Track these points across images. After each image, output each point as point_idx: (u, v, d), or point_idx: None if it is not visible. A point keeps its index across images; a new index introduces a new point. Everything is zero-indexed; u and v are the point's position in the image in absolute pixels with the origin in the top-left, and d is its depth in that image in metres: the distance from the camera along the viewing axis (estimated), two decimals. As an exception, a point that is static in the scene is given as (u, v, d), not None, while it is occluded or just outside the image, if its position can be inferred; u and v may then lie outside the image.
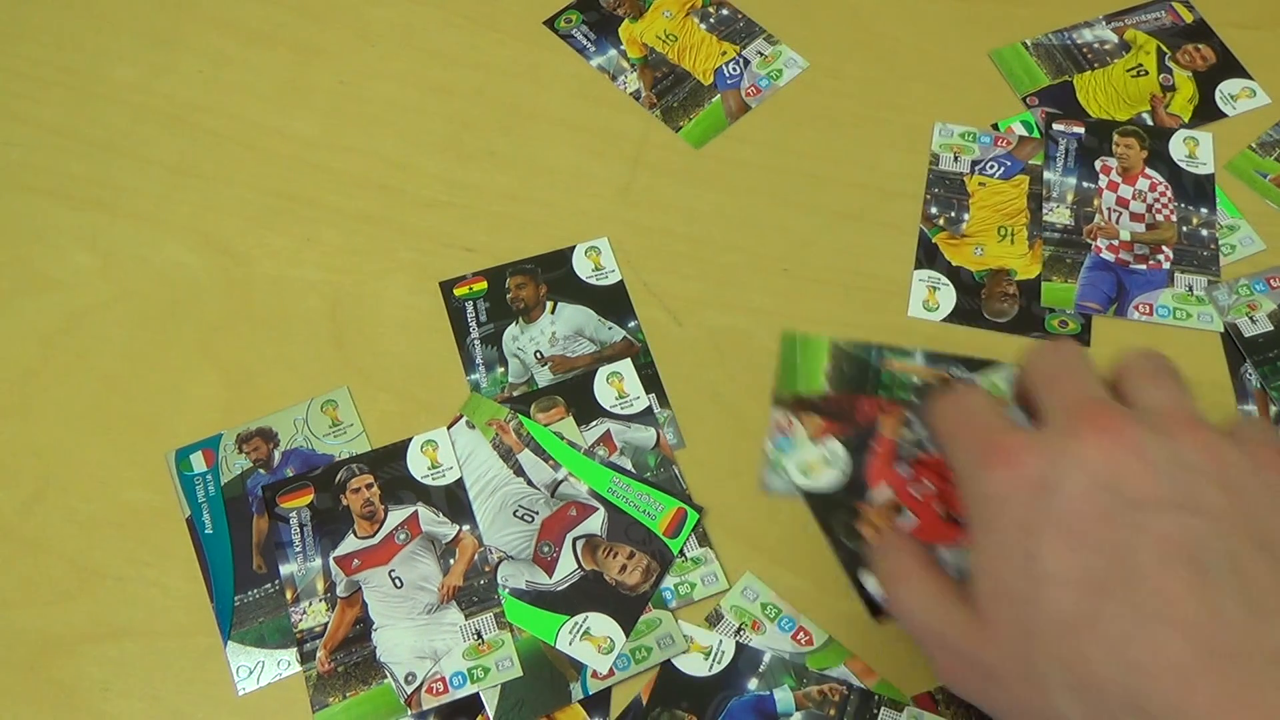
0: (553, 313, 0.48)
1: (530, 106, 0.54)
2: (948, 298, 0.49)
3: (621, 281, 0.49)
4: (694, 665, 0.41)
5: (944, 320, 0.48)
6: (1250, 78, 0.54)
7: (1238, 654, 0.28)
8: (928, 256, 0.50)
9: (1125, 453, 0.32)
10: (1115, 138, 0.52)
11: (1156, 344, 0.47)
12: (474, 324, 0.48)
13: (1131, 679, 0.29)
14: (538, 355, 0.47)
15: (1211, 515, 0.31)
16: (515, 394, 0.46)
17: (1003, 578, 0.32)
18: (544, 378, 0.47)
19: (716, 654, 0.41)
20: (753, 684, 0.40)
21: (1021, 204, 0.51)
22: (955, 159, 0.52)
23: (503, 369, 0.47)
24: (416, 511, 0.44)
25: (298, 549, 0.43)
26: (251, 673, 0.41)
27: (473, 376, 0.47)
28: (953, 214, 0.51)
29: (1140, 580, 0.30)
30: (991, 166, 0.52)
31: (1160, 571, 0.30)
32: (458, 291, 0.49)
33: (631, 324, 0.48)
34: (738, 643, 0.41)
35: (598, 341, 0.47)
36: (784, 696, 0.40)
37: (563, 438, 0.45)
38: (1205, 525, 0.31)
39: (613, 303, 0.49)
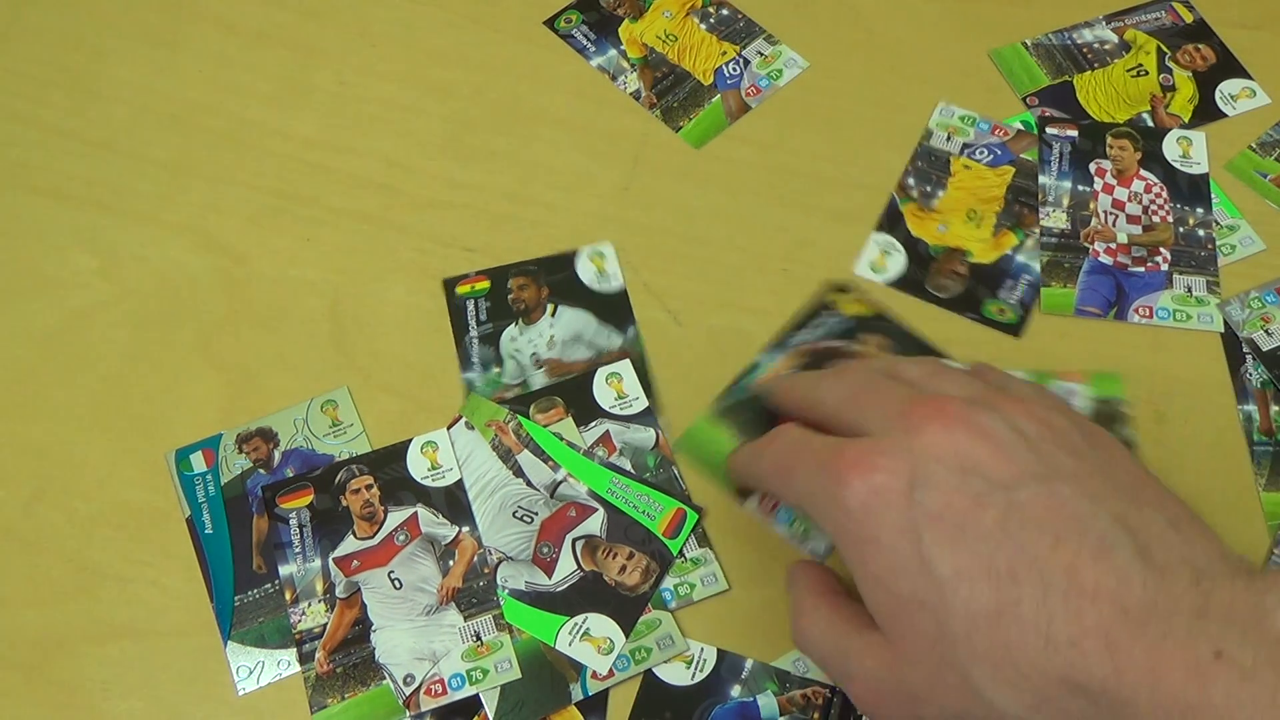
0: (553, 315, 0.48)
1: (530, 106, 0.54)
2: (896, 263, 0.49)
3: (624, 288, 0.49)
4: (676, 674, 0.41)
5: (886, 284, 0.49)
6: (1250, 78, 0.54)
7: (1158, 612, 0.28)
8: (890, 221, 0.50)
9: (970, 434, 0.32)
10: (1109, 140, 0.52)
11: (1157, 346, 0.47)
12: (473, 322, 0.48)
13: (1061, 657, 0.29)
14: (534, 358, 0.47)
15: (1074, 479, 0.31)
16: (509, 395, 0.46)
17: (899, 588, 0.31)
18: (539, 381, 0.47)
19: (698, 662, 0.41)
20: (735, 691, 0.40)
21: (1000, 193, 0.51)
22: (948, 138, 0.53)
23: (498, 369, 0.47)
24: (416, 513, 0.44)
25: (297, 550, 0.43)
26: (251, 673, 0.41)
27: (468, 375, 0.47)
28: (928, 189, 0.51)
29: (1041, 559, 0.30)
30: (981, 152, 0.52)
31: (1057, 547, 0.30)
32: (460, 289, 0.49)
33: (631, 332, 0.48)
34: (719, 650, 0.41)
35: (595, 347, 0.47)
36: (767, 702, 0.40)
37: (562, 438, 0.45)
38: (1073, 490, 0.31)
39: (614, 309, 0.48)
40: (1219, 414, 0.46)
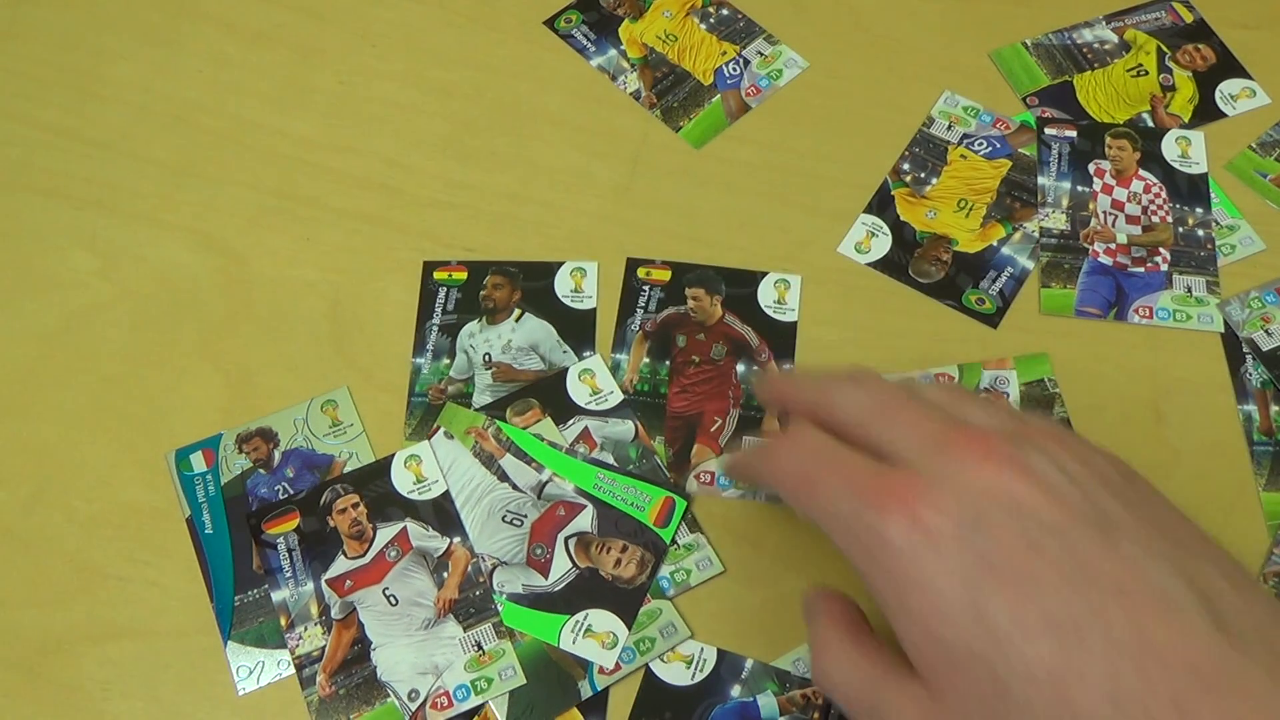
0: (517, 321, 0.48)
1: (530, 106, 0.54)
2: (881, 245, 0.50)
3: (595, 310, 0.48)
4: (676, 674, 0.41)
5: (868, 264, 0.49)
6: (1250, 78, 0.54)
7: (1229, 675, 0.27)
8: (879, 205, 0.51)
9: (1021, 474, 0.30)
10: (1108, 140, 0.52)
11: (1157, 346, 0.47)
12: (439, 310, 0.48)
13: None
14: (486, 358, 0.47)
15: (1127, 528, 0.30)
16: (449, 389, 0.46)
17: (948, 637, 0.29)
18: (483, 381, 0.47)
19: (698, 662, 0.41)
20: (735, 691, 0.40)
21: (994, 185, 0.51)
22: (949, 127, 0.53)
23: (448, 361, 0.47)
24: (405, 527, 0.43)
25: (288, 574, 0.43)
26: (251, 673, 0.41)
27: (418, 360, 0.47)
28: (923, 175, 0.52)
29: (1106, 615, 0.28)
30: (980, 144, 0.52)
31: (1122, 602, 0.28)
32: (437, 275, 0.49)
33: (588, 354, 0.47)
34: (719, 650, 0.41)
35: (548, 362, 0.47)
36: (767, 702, 0.40)
37: (542, 439, 0.45)
38: (1129, 541, 0.29)
39: (578, 329, 0.48)
40: (1219, 414, 0.46)
